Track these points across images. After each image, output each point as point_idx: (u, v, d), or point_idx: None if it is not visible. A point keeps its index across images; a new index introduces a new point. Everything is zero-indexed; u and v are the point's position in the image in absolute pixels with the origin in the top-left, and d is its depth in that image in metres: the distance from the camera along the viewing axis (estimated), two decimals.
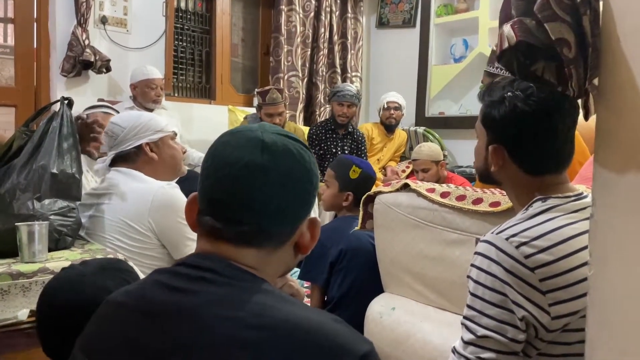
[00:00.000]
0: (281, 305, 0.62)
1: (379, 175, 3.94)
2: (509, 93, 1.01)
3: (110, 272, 0.81)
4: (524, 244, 0.91)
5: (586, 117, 0.84)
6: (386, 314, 1.74)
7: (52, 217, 1.39)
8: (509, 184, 1.06)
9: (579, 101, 0.88)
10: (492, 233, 0.96)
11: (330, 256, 1.91)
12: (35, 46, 3.30)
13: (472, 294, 0.94)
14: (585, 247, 0.90)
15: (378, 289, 1.84)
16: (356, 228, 1.88)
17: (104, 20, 3.39)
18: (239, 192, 0.67)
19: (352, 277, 1.88)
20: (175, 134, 1.78)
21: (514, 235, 0.92)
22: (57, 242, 1.39)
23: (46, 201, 1.40)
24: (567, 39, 0.78)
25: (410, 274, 1.69)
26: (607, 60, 0.74)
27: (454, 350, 0.97)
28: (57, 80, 3.26)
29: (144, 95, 3.21)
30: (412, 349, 1.60)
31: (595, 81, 0.79)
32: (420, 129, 4.35)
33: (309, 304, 2.19)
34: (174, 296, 0.63)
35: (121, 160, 1.66)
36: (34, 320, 1.66)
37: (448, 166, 3.98)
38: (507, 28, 0.86)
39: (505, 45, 0.87)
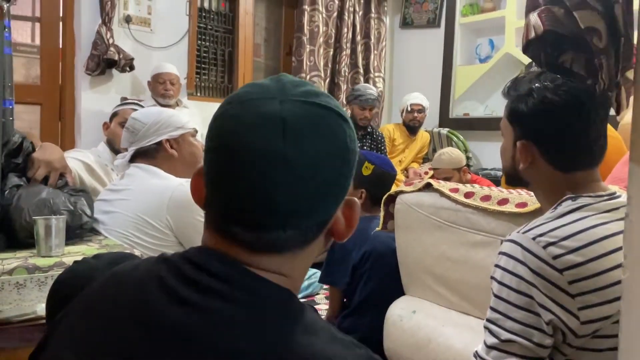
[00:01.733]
0: (307, 339, 0.51)
1: (401, 176, 3.89)
2: (536, 84, 0.96)
3: None
4: (552, 244, 0.86)
5: (617, 112, 0.80)
6: (406, 317, 1.69)
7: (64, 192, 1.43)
8: (539, 182, 1.01)
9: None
10: (518, 232, 0.91)
11: (353, 259, 1.87)
12: (60, 45, 3.34)
13: (496, 296, 0.90)
14: (618, 249, 0.85)
15: (400, 293, 1.80)
16: (377, 229, 1.83)
17: (128, 20, 3.41)
18: (256, 191, 0.52)
19: (375, 281, 1.83)
20: (196, 131, 1.77)
21: (541, 235, 0.88)
22: (72, 217, 1.40)
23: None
24: (597, 28, 0.74)
25: (432, 277, 1.65)
26: None
27: (476, 355, 0.92)
28: (81, 79, 3.30)
29: (154, 89, 3.29)
30: (433, 353, 1.55)
31: (629, 74, 0.75)
32: (444, 131, 4.29)
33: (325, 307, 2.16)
34: (180, 313, 0.51)
35: (141, 156, 1.66)
36: None
37: (472, 169, 3.91)
38: (533, 17, 0.82)
39: (532, 35, 0.83)
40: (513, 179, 1.07)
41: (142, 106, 2.54)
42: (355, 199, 0.60)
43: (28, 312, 1.71)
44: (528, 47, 0.85)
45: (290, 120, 0.53)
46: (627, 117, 2.24)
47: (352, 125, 0.58)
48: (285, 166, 0.52)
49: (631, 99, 0.75)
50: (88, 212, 1.47)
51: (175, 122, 1.67)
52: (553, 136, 0.96)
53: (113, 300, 0.55)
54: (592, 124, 0.95)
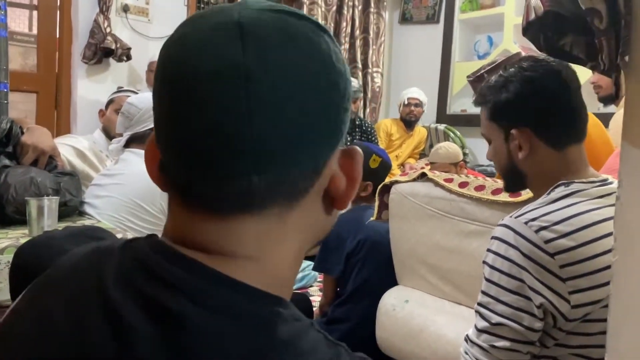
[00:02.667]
0: None
1: (397, 172, 3.89)
2: (509, 72, 1.00)
3: (81, 239, 0.68)
4: (544, 228, 0.86)
5: (617, 94, 0.80)
6: (399, 306, 1.69)
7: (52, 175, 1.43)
8: (536, 169, 1.01)
9: (611, 78, 0.83)
10: (511, 217, 0.91)
11: (347, 247, 1.87)
12: (57, 34, 3.32)
13: (488, 280, 0.90)
14: (609, 234, 0.85)
15: (393, 283, 1.80)
16: (371, 218, 1.83)
17: (125, 9, 3.40)
18: (212, 122, 0.39)
19: (369, 270, 1.83)
20: None
21: (533, 219, 0.88)
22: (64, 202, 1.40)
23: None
24: (598, 9, 0.74)
25: (425, 266, 1.65)
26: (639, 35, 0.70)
27: (467, 339, 0.93)
28: (78, 68, 3.29)
29: (149, 78, 3.35)
30: (425, 342, 1.55)
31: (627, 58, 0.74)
32: (441, 127, 4.29)
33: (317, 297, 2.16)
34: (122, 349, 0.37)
35: (136, 141, 1.65)
36: None
37: (469, 165, 3.91)
38: None
39: (532, 16, 0.83)
40: (513, 178, 1.06)
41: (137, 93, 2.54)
42: (357, 147, 0.47)
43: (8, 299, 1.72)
44: (528, 29, 0.85)
45: (250, 27, 0.39)
46: (620, 112, 2.26)
47: (337, 44, 0.44)
48: (248, 84, 0.38)
49: None
50: (73, 191, 1.47)
51: None
52: (542, 110, 0.97)
53: (42, 322, 0.42)
54: (572, 91, 0.97)
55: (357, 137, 3.82)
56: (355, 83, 3.90)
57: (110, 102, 2.43)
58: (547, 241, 0.85)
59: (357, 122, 3.85)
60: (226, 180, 0.40)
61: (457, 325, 1.48)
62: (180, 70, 0.40)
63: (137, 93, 2.55)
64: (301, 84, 0.40)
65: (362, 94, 3.95)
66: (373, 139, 3.88)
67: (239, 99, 0.38)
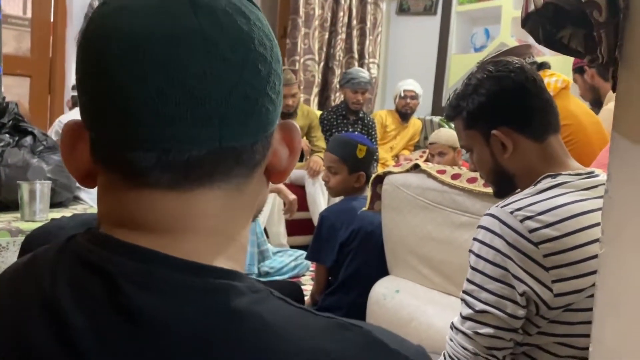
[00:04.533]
0: (283, 329, 0.37)
1: (391, 163, 3.90)
2: (475, 79, 1.02)
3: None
4: (529, 218, 0.87)
5: (614, 89, 0.80)
6: (389, 296, 1.70)
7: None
8: (522, 166, 1.02)
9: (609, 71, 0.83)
10: (497, 206, 0.92)
11: (340, 237, 1.88)
12: (52, 17, 3.30)
13: (473, 268, 0.91)
14: (593, 225, 0.86)
15: (384, 273, 1.81)
16: (364, 209, 1.84)
17: None
18: (169, 86, 0.36)
19: (361, 259, 1.85)
20: None
21: (519, 209, 0.89)
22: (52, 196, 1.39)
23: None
24: (597, 2, 0.74)
25: (417, 257, 1.66)
26: (634, 26, 0.70)
27: (452, 326, 0.94)
28: (72, 52, 3.27)
29: None
30: (415, 332, 1.57)
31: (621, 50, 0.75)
32: (436, 119, 4.30)
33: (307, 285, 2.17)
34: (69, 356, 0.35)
35: None
36: None
37: (462, 158, 3.92)
38: None
39: (532, 7, 0.83)
40: (501, 181, 1.06)
41: None
42: (292, 121, 0.47)
43: None
44: (526, 21, 0.85)
45: None
46: (610, 103, 2.28)
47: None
48: (206, 46, 0.37)
49: None
50: (66, 177, 1.47)
51: None
52: (518, 106, 0.99)
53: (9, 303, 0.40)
54: (539, 83, 1.00)
55: (358, 129, 3.81)
56: (367, 75, 3.84)
57: None
58: (532, 230, 0.86)
59: (360, 115, 3.82)
60: (188, 148, 0.37)
61: (447, 315, 1.49)
62: (133, 37, 0.37)
63: None
64: (252, 49, 0.39)
65: (372, 87, 3.91)
66: (373, 132, 3.88)
67: (198, 61, 0.37)
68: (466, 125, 1.04)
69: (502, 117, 0.99)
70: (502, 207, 0.91)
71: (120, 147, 0.38)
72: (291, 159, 0.46)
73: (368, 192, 1.82)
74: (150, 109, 0.36)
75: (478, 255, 0.91)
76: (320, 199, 3.25)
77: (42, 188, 1.27)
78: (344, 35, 4.51)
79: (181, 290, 0.36)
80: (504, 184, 1.05)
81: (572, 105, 2.00)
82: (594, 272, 0.78)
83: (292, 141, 0.46)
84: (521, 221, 0.87)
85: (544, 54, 3.21)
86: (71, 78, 3.29)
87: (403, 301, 1.66)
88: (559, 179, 0.94)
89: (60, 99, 3.32)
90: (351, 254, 1.86)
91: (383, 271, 1.80)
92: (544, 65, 2.13)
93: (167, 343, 0.34)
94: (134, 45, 0.37)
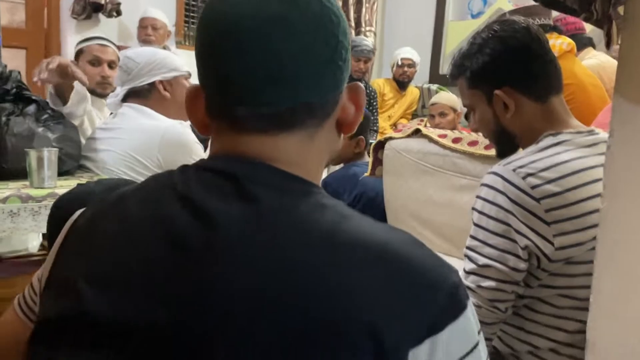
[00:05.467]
0: (348, 222, 0.48)
1: (390, 132, 3.91)
2: (479, 39, 1.02)
3: None
4: (531, 174, 0.90)
5: (607, 46, 0.82)
6: None
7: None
8: (524, 127, 1.04)
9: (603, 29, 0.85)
10: (500, 165, 0.95)
11: (344, 202, 1.90)
12: None
13: (476, 225, 0.94)
14: (594, 181, 0.89)
15: None
16: (365, 174, 1.87)
17: None
18: (261, 58, 0.49)
19: None
20: (190, 75, 1.75)
21: (521, 167, 0.91)
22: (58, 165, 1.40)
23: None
24: None
25: (418, 221, 1.69)
26: None
27: None
28: (67, 23, 3.22)
29: (138, 34, 3.21)
30: None
31: (620, 10, 0.76)
32: (434, 87, 4.29)
33: None
34: (208, 229, 0.45)
35: (134, 96, 1.65)
36: (45, 253, 1.70)
37: (461, 124, 3.94)
38: None
39: None
40: (503, 141, 1.07)
41: (109, 40, 2.28)
42: (358, 83, 0.58)
43: (19, 249, 1.74)
44: None
45: None
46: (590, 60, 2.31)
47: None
48: (286, 26, 0.49)
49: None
50: (72, 145, 1.48)
51: (169, 64, 1.66)
52: (521, 66, 1.00)
53: (122, 220, 0.50)
54: (544, 43, 1.01)
55: None
56: (370, 43, 3.80)
57: (79, 52, 2.18)
58: (534, 187, 0.89)
59: (362, 85, 3.81)
60: (275, 104, 0.50)
61: None
62: (229, 20, 0.49)
63: (108, 39, 2.37)
64: (323, 28, 0.51)
65: (373, 54, 3.88)
66: (374, 103, 3.86)
67: (280, 37, 0.49)
68: (469, 85, 1.05)
69: (505, 77, 1.00)
70: (504, 165, 0.94)
71: (226, 104, 0.52)
72: (357, 114, 0.57)
73: (370, 158, 1.84)
74: (246, 76, 0.49)
75: (481, 212, 0.94)
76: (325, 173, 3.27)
77: (50, 155, 1.28)
78: (340, 3, 4.46)
79: (286, 188, 0.49)
80: (506, 144, 1.07)
81: (576, 67, 2.01)
82: (594, 226, 0.81)
83: (358, 99, 0.57)
84: (523, 178, 0.90)
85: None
86: (67, 49, 3.25)
87: None
88: (560, 137, 0.96)
89: None
90: None
91: None
92: (554, 29, 2.13)
93: (282, 221, 0.46)
94: (233, 26, 0.49)
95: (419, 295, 0.44)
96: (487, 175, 0.96)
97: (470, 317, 0.47)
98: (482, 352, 0.48)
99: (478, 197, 0.96)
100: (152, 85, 1.63)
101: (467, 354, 0.46)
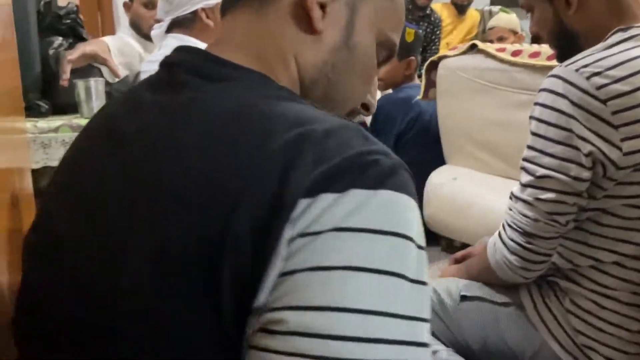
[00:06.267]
0: (287, 105, 0.42)
1: None
2: None
3: None
4: (597, 74, 0.80)
5: None
6: (447, 184, 1.68)
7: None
8: (589, 24, 0.92)
9: None
10: (561, 66, 0.85)
11: (397, 127, 1.84)
12: None
13: (534, 134, 0.86)
14: None
15: (441, 163, 1.78)
16: (418, 97, 1.79)
17: None
18: None
19: (418, 149, 1.82)
20: None
21: (585, 66, 0.82)
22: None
23: None
24: None
25: (474, 143, 1.61)
26: None
27: (512, 195, 0.91)
28: None
29: None
30: (473, 218, 1.55)
31: None
32: (496, 8, 4.01)
33: None
34: (134, 119, 0.44)
35: (177, 26, 1.62)
36: None
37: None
38: None
39: None
40: (565, 43, 0.97)
41: None
42: None
43: None
44: None
45: None
46: None
47: None
48: None
49: None
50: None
51: None
52: None
53: (89, 129, 0.50)
54: None
55: (424, 27, 3.62)
56: None
57: None
58: (599, 87, 0.80)
59: (427, 12, 3.62)
60: None
61: (506, 199, 1.46)
62: None
63: None
64: None
65: None
66: (438, 32, 3.67)
67: None
68: None
69: None
70: (566, 66, 0.84)
71: None
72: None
73: (422, 80, 1.75)
74: None
75: (539, 120, 0.86)
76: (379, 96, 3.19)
77: (97, 85, 1.30)
78: None
79: (213, 76, 0.44)
80: (567, 46, 0.96)
81: None
82: None
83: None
84: (587, 78, 0.81)
85: None
86: None
87: (461, 188, 1.64)
88: (631, 32, 0.86)
89: (109, 17, 3.33)
90: (408, 144, 1.82)
91: (439, 161, 1.77)
92: None
93: (191, 109, 0.42)
94: None
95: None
96: (546, 79, 0.87)
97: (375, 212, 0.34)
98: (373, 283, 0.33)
99: (536, 103, 0.87)
100: (195, 13, 1.60)
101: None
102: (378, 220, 0.33)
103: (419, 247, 0.35)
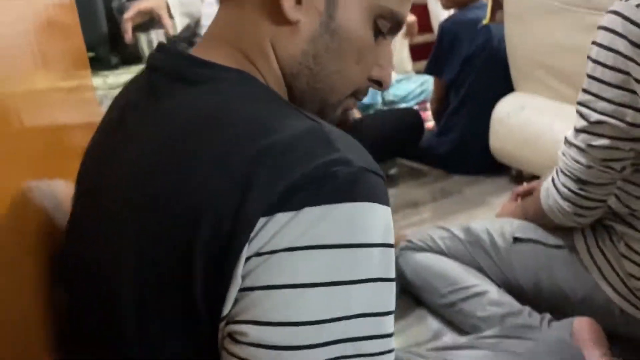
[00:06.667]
0: (253, 106, 0.42)
1: None
2: None
3: None
4: None
5: None
6: (514, 113, 1.61)
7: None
8: None
9: None
10: (622, 0, 0.77)
11: (464, 51, 1.75)
12: None
13: (590, 76, 0.81)
14: None
15: (509, 91, 1.70)
16: (484, 21, 1.68)
17: None
18: None
19: (485, 76, 1.73)
20: None
21: None
22: None
23: None
24: None
25: (544, 69, 1.51)
26: None
27: (565, 140, 0.87)
28: None
29: None
30: (543, 148, 1.49)
31: None
32: None
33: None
34: (124, 116, 0.48)
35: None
36: None
37: None
38: None
39: None
40: None
41: None
42: None
43: None
44: None
45: None
46: None
47: None
48: None
49: None
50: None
51: None
52: None
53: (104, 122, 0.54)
54: None
55: None
56: None
57: None
58: None
59: None
60: None
61: None
62: None
63: None
64: None
65: None
66: None
67: None
68: None
69: None
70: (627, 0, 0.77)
71: None
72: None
73: (489, 2, 1.64)
74: None
75: (595, 61, 0.80)
76: (445, 16, 3.01)
77: (158, 37, 1.34)
78: None
79: (190, 77, 0.44)
80: None
81: None
82: None
83: None
84: None
85: None
86: None
87: (529, 118, 1.57)
88: None
89: None
90: (474, 71, 1.74)
91: (507, 89, 1.68)
92: None
93: (178, 117, 0.42)
94: None
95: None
96: (605, 16, 0.80)
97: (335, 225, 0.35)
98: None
99: (593, 42, 0.81)
100: None
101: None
102: (331, 236, 0.35)
103: (384, 245, 0.37)
